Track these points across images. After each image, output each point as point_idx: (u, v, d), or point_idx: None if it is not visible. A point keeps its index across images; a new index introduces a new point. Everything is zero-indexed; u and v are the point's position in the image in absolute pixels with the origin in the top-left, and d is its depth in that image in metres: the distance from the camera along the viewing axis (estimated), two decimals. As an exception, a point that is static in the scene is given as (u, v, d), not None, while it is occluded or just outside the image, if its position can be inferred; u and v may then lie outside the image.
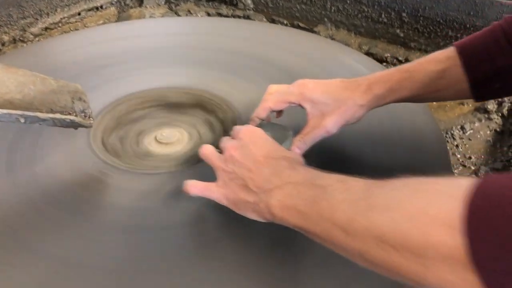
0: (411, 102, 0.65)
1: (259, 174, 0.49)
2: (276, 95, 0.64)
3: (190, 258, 0.55)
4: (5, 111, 0.57)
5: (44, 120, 0.59)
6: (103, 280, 0.52)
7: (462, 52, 0.59)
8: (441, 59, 0.60)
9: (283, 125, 0.65)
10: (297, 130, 0.63)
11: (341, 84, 0.63)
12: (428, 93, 0.61)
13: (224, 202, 0.52)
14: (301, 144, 0.62)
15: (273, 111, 0.65)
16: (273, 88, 0.65)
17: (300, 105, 0.63)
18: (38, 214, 0.60)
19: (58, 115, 0.60)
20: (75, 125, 0.63)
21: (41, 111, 0.60)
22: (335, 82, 0.63)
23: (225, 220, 0.58)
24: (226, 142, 0.55)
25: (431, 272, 0.32)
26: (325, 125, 0.61)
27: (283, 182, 0.47)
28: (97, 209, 0.61)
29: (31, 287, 0.51)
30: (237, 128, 0.57)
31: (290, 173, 0.47)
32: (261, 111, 0.64)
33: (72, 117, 0.61)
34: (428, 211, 0.33)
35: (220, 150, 0.55)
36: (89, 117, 0.64)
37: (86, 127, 0.64)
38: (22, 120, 0.58)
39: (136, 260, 0.54)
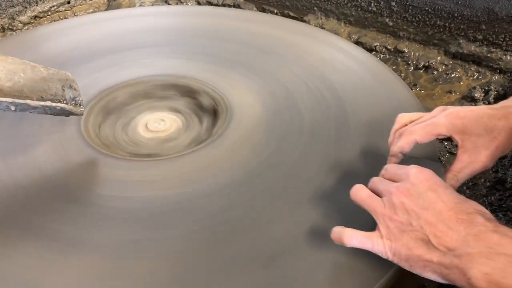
0: None
1: (447, 231, 0.43)
2: (422, 127, 0.56)
3: (181, 243, 0.55)
4: (-5, 98, 0.57)
5: (34, 107, 0.60)
6: (95, 267, 0.52)
7: None
8: None
9: (430, 159, 0.59)
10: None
11: (491, 112, 0.55)
12: None
13: (389, 256, 0.46)
14: (454, 181, 0.55)
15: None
16: (407, 117, 0.59)
17: (450, 138, 0.57)
18: (29, 202, 0.60)
19: (48, 103, 0.60)
20: (65, 113, 0.63)
21: (31, 99, 0.60)
22: (485, 110, 0.56)
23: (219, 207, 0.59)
24: (385, 184, 0.50)
25: None
26: (483, 160, 0.54)
27: (491, 250, 0.40)
28: (88, 196, 0.62)
29: (22, 278, 0.51)
30: (397, 168, 0.52)
31: (498, 239, 0.40)
32: (406, 145, 0.56)
33: (62, 105, 0.62)
34: None
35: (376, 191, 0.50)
36: (80, 105, 0.65)
37: (76, 115, 0.64)
38: (13, 108, 0.59)
39: (127, 248, 0.55)
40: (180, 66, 0.88)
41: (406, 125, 0.59)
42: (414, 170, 0.49)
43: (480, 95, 0.94)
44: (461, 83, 1.00)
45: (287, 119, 0.74)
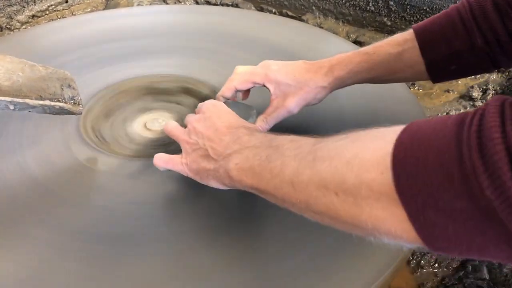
0: (371, 83, 0.67)
1: (219, 142, 0.50)
2: (241, 75, 0.65)
3: (175, 234, 0.56)
4: (-6, 98, 0.57)
5: (33, 107, 0.60)
6: (93, 262, 0.52)
7: (419, 35, 0.60)
8: (399, 42, 0.62)
9: (247, 104, 0.67)
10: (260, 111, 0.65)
11: (304, 66, 0.65)
12: (387, 75, 0.64)
13: (187, 172, 0.54)
14: (263, 123, 0.63)
15: (238, 90, 0.67)
16: (240, 68, 0.67)
17: (264, 86, 0.65)
18: (28, 199, 0.60)
19: (47, 102, 0.60)
20: (64, 112, 0.63)
21: (30, 98, 0.60)
22: (298, 63, 0.65)
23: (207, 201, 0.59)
24: (190, 116, 0.57)
25: (365, 211, 0.34)
26: (287, 105, 0.63)
27: (242, 147, 0.48)
28: (86, 195, 0.62)
29: (22, 272, 0.51)
30: (201, 103, 0.58)
31: (248, 139, 0.49)
32: (226, 90, 0.65)
33: (61, 104, 0.62)
34: (363, 154, 0.35)
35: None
36: (79, 104, 0.65)
37: (75, 114, 0.64)
38: (12, 107, 0.58)
39: (125, 243, 0.55)
40: (179, 65, 0.88)
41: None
42: (207, 103, 0.57)
43: (478, 94, 0.94)
44: (459, 82, 1.00)
45: (286, 119, 0.74)
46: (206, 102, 0.58)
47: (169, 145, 0.73)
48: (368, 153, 0.34)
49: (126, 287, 0.50)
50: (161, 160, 0.56)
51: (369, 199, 0.33)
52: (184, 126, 0.57)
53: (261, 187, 0.44)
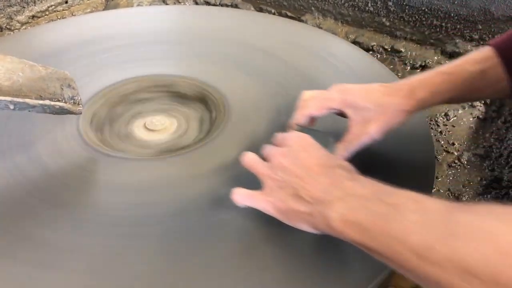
0: (452, 103, 0.65)
1: (313, 183, 0.47)
2: (316, 101, 0.61)
3: (177, 240, 0.55)
4: (-6, 97, 0.57)
5: (33, 106, 0.60)
6: (92, 265, 0.52)
7: (500, 52, 0.58)
8: (478, 60, 0.59)
9: (323, 131, 0.62)
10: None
11: (382, 89, 0.61)
12: (467, 94, 0.61)
13: (271, 211, 0.51)
14: (343, 151, 0.60)
15: (311, 118, 0.63)
16: (308, 94, 0.63)
17: (340, 111, 0.62)
18: (28, 199, 0.60)
19: (47, 102, 0.60)
20: (64, 112, 0.63)
21: (30, 98, 0.60)
22: (376, 87, 0.62)
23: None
24: (271, 149, 0.54)
25: None
26: (370, 131, 0.59)
27: (345, 194, 0.44)
28: (86, 196, 0.62)
29: (20, 271, 0.51)
30: (282, 135, 0.55)
31: (352, 185, 0.45)
32: (301, 118, 0.61)
33: (61, 104, 0.62)
34: None
35: (263, 158, 0.54)
36: (78, 104, 0.65)
37: (75, 114, 0.64)
38: (12, 107, 0.59)
39: (125, 246, 0.54)
40: (178, 65, 0.89)
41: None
42: (291, 135, 0.54)
43: (477, 95, 0.94)
44: (458, 82, 1.00)
45: (286, 118, 0.74)
46: (289, 134, 0.54)
47: (167, 141, 0.74)
48: None
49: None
50: (241, 196, 0.52)
51: None
52: (262, 158, 0.54)
53: (373, 247, 0.40)
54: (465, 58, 0.61)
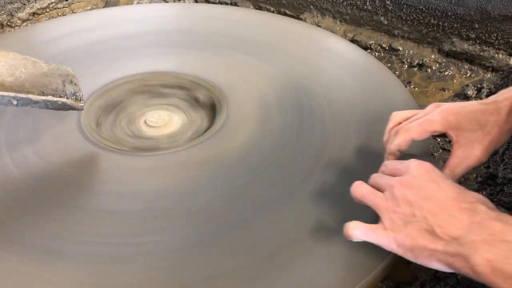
0: None
1: (451, 220, 0.44)
2: (418, 125, 0.57)
3: (179, 235, 0.56)
4: (-2, 93, 0.58)
5: (36, 102, 0.61)
6: (94, 258, 0.53)
7: None
8: None
9: (425, 156, 0.60)
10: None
11: (484, 107, 0.56)
12: None
13: (394, 248, 0.47)
14: (452, 177, 0.56)
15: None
16: (400, 115, 0.60)
17: (444, 134, 0.58)
18: (31, 194, 0.61)
19: (50, 98, 0.61)
20: (66, 108, 0.64)
21: (32, 94, 0.61)
22: (477, 105, 0.57)
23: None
24: (386, 179, 0.50)
25: None
26: (477, 154, 0.56)
27: (494, 237, 0.41)
28: (87, 190, 0.63)
29: (23, 265, 0.52)
30: (396, 163, 0.53)
31: (501, 227, 0.41)
32: (403, 143, 0.57)
33: (64, 100, 0.63)
34: None
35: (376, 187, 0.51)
36: (80, 100, 0.66)
37: (77, 109, 0.65)
38: (15, 102, 0.60)
39: (127, 238, 0.56)
40: (178, 62, 0.89)
41: (400, 123, 0.60)
42: (414, 163, 0.50)
43: (473, 93, 0.96)
44: (454, 81, 1.01)
45: (285, 116, 0.75)
46: (409, 162, 0.51)
47: (167, 137, 0.75)
48: None
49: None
50: (360, 230, 0.48)
51: None
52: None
53: None
54: None
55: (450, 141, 0.90)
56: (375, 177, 0.52)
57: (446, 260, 0.43)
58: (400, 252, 0.46)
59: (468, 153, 0.56)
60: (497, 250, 0.40)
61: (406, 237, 0.45)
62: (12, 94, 0.59)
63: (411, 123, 0.58)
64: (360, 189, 0.51)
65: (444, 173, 0.56)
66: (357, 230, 0.48)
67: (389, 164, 0.54)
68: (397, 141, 0.57)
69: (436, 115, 0.57)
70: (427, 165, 0.50)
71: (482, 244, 0.40)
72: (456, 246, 0.42)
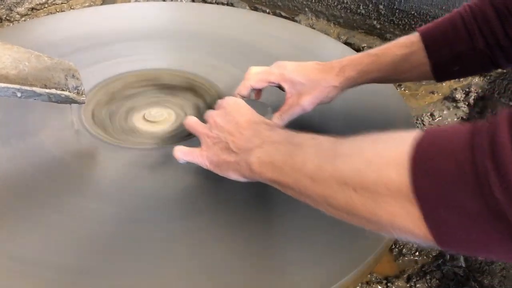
0: (379, 83, 0.71)
1: (240, 136, 0.52)
2: (257, 75, 0.68)
3: (176, 227, 0.58)
4: (2, 85, 0.59)
5: (40, 95, 0.62)
6: (93, 248, 0.55)
7: (425, 38, 0.64)
8: (406, 44, 0.65)
9: (262, 102, 0.69)
10: (275, 108, 0.68)
11: (317, 66, 0.68)
12: (394, 75, 0.67)
13: (207, 164, 0.56)
14: (279, 120, 0.66)
15: (254, 89, 0.69)
16: (254, 69, 0.69)
17: (279, 85, 0.68)
18: (30, 186, 0.62)
19: (53, 91, 0.63)
20: (69, 101, 0.66)
21: (36, 87, 0.63)
22: (311, 64, 0.68)
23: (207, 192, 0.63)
24: (210, 112, 0.59)
25: (382, 207, 0.36)
26: (302, 103, 0.66)
27: (263, 141, 0.50)
28: (87, 182, 0.64)
29: (24, 253, 0.53)
30: (221, 100, 0.60)
31: (269, 134, 0.51)
32: (243, 89, 0.68)
33: (66, 93, 0.64)
34: (383, 154, 0.37)
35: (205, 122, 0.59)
36: (82, 94, 0.67)
37: (79, 103, 0.67)
38: (19, 95, 0.61)
39: (124, 230, 0.57)
40: (173, 60, 0.91)
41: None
42: (227, 99, 0.59)
43: (461, 96, 0.99)
44: (444, 84, 1.04)
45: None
46: (226, 98, 0.60)
47: (162, 132, 0.76)
48: (388, 153, 0.37)
49: (136, 280, 0.52)
50: (182, 152, 0.58)
51: (386, 197, 0.35)
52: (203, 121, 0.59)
53: (281, 181, 0.46)
54: (394, 42, 0.67)
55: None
56: (207, 112, 0.60)
57: (236, 168, 0.52)
58: (211, 168, 0.55)
59: (296, 101, 0.67)
60: (264, 149, 0.49)
61: (214, 154, 0.54)
62: (16, 86, 0.60)
63: (252, 74, 0.68)
64: (189, 121, 0.60)
65: (274, 115, 0.66)
66: (179, 152, 0.57)
67: (219, 101, 0.61)
68: (239, 87, 0.68)
69: (274, 69, 0.68)
70: (237, 100, 0.59)
71: (256, 148, 0.49)
72: (241, 155, 0.51)
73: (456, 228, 0.32)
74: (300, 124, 0.75)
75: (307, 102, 0.66)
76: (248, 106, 0.58)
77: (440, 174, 0.32)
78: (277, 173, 0.46)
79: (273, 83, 0.68)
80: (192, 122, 0.60)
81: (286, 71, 0.67)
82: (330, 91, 0.67)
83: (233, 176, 0.53)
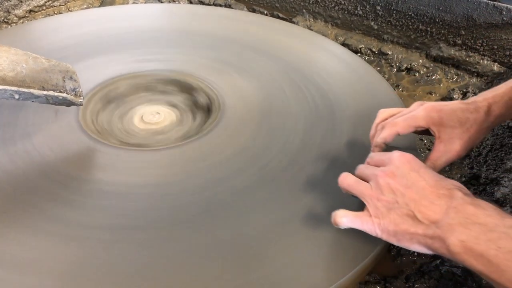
0: None
1: (430, 205, 0.47)
2: (403, 120, 0.61)
3: (177, 229, 0.58)
4: (0, 87, 0.60)
5: (37, 97, 0.62)
6: (93, 251, 0.55)
7: None
8: None
9: (409, 148, 0.64)
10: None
11: (464, 106, 0.61)
12: None
13: (378, 233, 0.50)
14: (432, 169, 0.56)
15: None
16: (386, 112, 0.65)
17: (428, 130, 0.62)
18: (29, 189, 0.63)
19: (51, 92, 0.63)
20: (67, 103, 0.66)
21: (34, 89, 0.63)
22: (458, 104, 0.62)
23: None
24: (371, 169, 0.53)
25: None
26: (457, 149, 0.60)
27: (467, 220, 0.44)
28: (85, 183, 0.64)
29: (23, 257, 0.54)
30: (381, 154, 0.56)
31: (474, 211, 0.44)
32: (389, 136, 0.61)
33: (64, 95, 0.65)
34: None
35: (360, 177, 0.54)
36: (80, 96, 0.68)
37: (76, 104, 0.67)
38: (17, 97, 0.61)
39: (124, 231, 0.57)
40: (172, 62, 0.91)
41: (386, 119, 0.64)
42: (397, 154, 0.53)
43: (459, 97, 0.99)
44: (441, 85, 1.04)
45: (279, 116, 0.78)
46: (392, 153, 0.54)
47: (160, 134, 0.76)
48: None
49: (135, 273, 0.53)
50: (347, 218, 0.51)
51: None
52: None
53: (497, 281, 0.41)
54: None
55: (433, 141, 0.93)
56: (361, 168, 0.56)
57: (426, 242, 0.46)
58: (384, 237, 0.50)
59: (449, 147, 0.60)
60: (470, 231, 0.43)
61: (390, 222, 0.48)
62: (14, 88, 0.60)
63: (397, 119, 0.62)
64: (346, 180, 0.54)
65: (426, 165, 0.58)
66: (344, 218, 0.51)
67: (374, 155, 0.57)
68: (383, 135, 0.61)
69: (421, 112, 0.61)
70: (408, 156, 0.53)
71: (457, 226, 0.44)
72: (435, 229, 0.45)
73: None
74: (296, 126, 0.75)
75: (462, 148, 0.60)
76: (426, 166, 0.52)
77: None
78: (493, 272, 0.41)
79: (422, 127, 0.61)
80: (351, 181, 0.54)
81: (435, 113, 0.61)
82: (482, 132, 0.61)
83: (417, 248, 0.48)
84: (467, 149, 0.61)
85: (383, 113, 0.65)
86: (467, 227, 0.43)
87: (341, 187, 0.55)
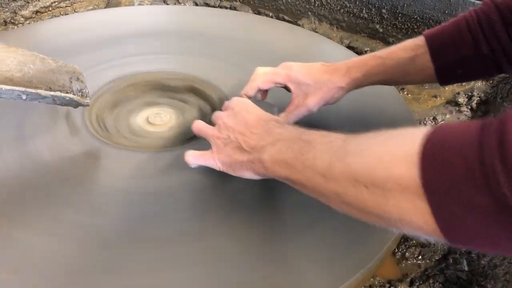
0: (384, 85, 0.72)
1: (252, 135, 0.53)
2: (263, 76, 0.69)
3: (182, 230, 0.58)
4: (8, 87, 0.60)
5: (44, 97, 0.63)
6: (95, 253, 0.54)
7: (430, 41, 0.65)
8: (411, 47, 0.66)
9: (269, 102, 0.70)
10: (280, 109, 0.69)
11: (322, 67, 0.69)
12: (399, 77, 0.69)
13: (219, 166, 0.56)
14: (286, 120, 0.66)
15: (260, 90, 0.70)
16: (260, 69, 0.70)
17: (285, 86, 0.69)
18: (32, 189, 0.63)
19: (58, 93, 0.63)
20: (73, 104, 0.66)
21: (41, 89, 0.63)
22: (317, 65, 0.69)
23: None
24: (218, 113, 0.59)
25: (391, 203, 0.37)
26: (308, 104, 0.67)
27: (274, 139, 0.51)
28: (87, 184, 0.65)
29: (22, 261, 0.53)
30: (227, 101, 0.61)
31: (280, 131, 0.52)
32: (249, 90, 0.68)
33: (71, 96, 0.65)
34: (393, 151, 0.38)
35: (213, 125, 0.60)
36: (86, 96, 0.68)
37: (83, 105, 0.67)
38: (24, 97, 0.61)
39: (128, 233, 0.57)
40: (177, 63, 0.91)
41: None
42: (234, 100, 0.60)
43: (464, 100, 0.99)
44: (446, 88, 1.05)
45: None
46: (233, 99, 0.61)
47: (164, 135, 0.77)
48: (398, 149, 0.37)
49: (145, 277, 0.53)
50: (193, 156, 0.59)
51: (396, 192, 0.36)
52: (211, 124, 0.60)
53: (293, 178, 0.47)
54: (400, 45, 0.68)
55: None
56: (214, 114, 0.61)
57: (252, 167, 0.53)
58: (224, 169, 0.56)
59: (302, 102, 0.67)
60: (276, 147, 0.50)
61: (226, 156, 0.55)
62: (21, 88, 0.60)
63: (258, 75, 0.69)
64: (197, 125, 0.61)
65: (280, 116, 0.66)
66: (190, 156, 0.59)
67: (226, 102, 0.62)
68: (245, 88, 0.69)
69: (280, 70, 0.69)
70: (245, 100, 0.60)
71: (268, 146, 0.51)
72: (254, 153, 0.52)
73: (464, 223, 0.33)
74: (304, 125, 0.76)
75: (313, 103, 0.67)
76: (257, 106, 0.59)
77: (449, 170, 0.33)
78: (289, 171, 0.47)
79: (279, 84, 0.69)
80: (200, 125, 0.61)
81: (292, 72, 0.68)
82: (336, 92, 0.68)
83: (247, 175, 0.54)
84: (319, 105, 0.68)
85: (257, 70, 0.70)
86: (274, 144, 0.50)
87: (194, 132, 0.62)
